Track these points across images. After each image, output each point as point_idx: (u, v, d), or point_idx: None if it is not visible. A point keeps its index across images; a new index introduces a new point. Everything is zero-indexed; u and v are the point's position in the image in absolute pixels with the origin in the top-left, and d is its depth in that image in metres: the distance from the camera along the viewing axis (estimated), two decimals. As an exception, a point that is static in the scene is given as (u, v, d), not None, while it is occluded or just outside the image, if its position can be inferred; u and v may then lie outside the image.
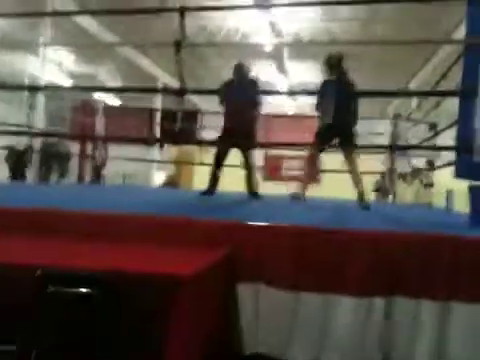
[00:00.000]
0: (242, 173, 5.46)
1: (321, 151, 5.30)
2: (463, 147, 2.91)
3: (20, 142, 11.07)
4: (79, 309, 1.80)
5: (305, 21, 11.08)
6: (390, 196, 11.46)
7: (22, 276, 1.84)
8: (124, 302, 1.80)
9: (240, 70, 5.51)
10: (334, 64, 5.22)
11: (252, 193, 5.52)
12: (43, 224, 2.60)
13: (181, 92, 3.31)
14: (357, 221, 3.62)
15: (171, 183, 13.25)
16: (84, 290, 1.79)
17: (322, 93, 5.16)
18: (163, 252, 2.29)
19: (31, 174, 10.16)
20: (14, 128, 7.56)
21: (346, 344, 2.28)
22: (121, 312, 1.81)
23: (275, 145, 13.08)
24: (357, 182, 5.05)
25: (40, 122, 10.27)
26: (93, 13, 10.35)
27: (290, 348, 2.33)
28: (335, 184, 12.15)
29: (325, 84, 5.24)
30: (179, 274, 1.80)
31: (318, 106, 5.18)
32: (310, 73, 15.50)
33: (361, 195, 5.02)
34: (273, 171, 14.47)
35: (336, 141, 5.17)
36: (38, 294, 1.80)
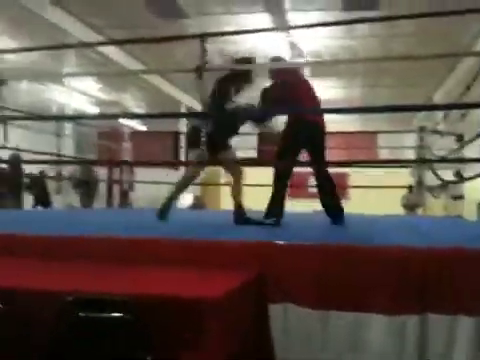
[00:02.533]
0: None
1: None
2: (490, 159, 2.88)
3: (43, 169, 11.32)
4: (111, 334, 1.82)
5: (324, 40, 11.13)
6: (419, 209, 11.31)
7: (52, 302, 1.87)
8: (155, 326, 1.81)
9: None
10: None
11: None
12: (70, 250, 2.65)
13: (204, 116, 3.36)
14: (386, 236, 3.59)
15: (198, 205, 13.32)
16: (115, 315, 1.81)
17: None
18: (192, 275, 2.31)
19: (59, 200, 10.36)
20: (43, 156, 7.75)
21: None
22: (152, 336, 1.82)
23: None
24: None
25: (69, 149, 10.48)
26: (116, 43, 10.59)
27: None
28: (362, 200, 12.06)
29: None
30: (208, 297, 1.82)
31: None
32: (333, 90, 15.52)
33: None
34: (298, 188, 14.41)
35: None
36: (69, 320, 1.82)
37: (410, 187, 9.20)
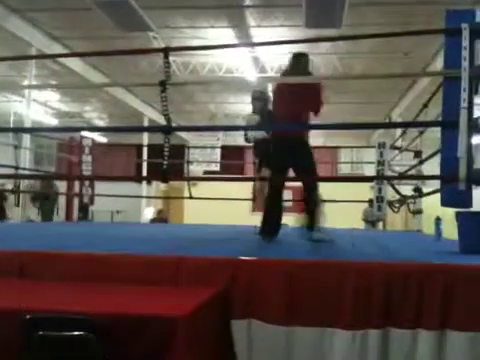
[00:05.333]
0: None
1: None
2: (447, 176, 2.96)
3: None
4: (72, 353, 1.78)
5: (287, 56, 11.27)
6: (380, 224, 11.51)
7: (11, 321, 1.81)
8: (118, 345, 1.78)
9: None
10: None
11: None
12: (30, 267, 2.57)
13: (167, 130, 3.35)
14: (348, 251, 3.63)
15: (161, 218, 13.19)
16: (76, 333, 1.77)
17: None
18: (156, 292, 2.28)
19: (18, 214, 10.07)
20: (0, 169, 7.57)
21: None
22: (116, 354, 1.78)
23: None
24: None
25: (26, 161, 10.22)
26: (79, 55, 10.45)
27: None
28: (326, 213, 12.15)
29: None
30: (174, 315, 1.79)
31: None
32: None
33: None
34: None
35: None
36: (28, 339, 1.77)
37: (370, 201, 9.36)
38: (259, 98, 5.49)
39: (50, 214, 10.60)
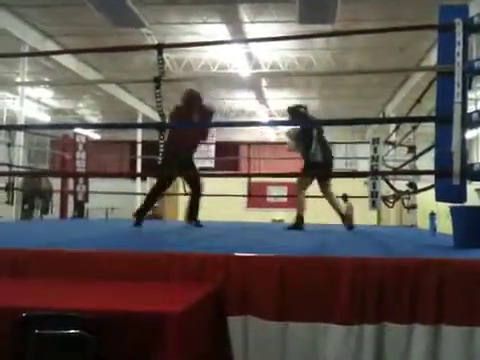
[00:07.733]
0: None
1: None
2: (441, 171, 2.97)
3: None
4: (68, 351, 1.77)
5: (281, 51, 11.28)
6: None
7: (7, 319, 1.80)
8: (114, 342, 1.77)
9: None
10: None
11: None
12: (23, 265, 2.56)
13: (162, 127, 3.34)
14: (342, 247, 3.64)
15: (155, 215, 13.17)
16: (72, 331, 1.76)
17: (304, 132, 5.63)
18: (150, 289, 2.28)
19: (12, 211, 10.02)
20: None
21: (338, 373, 2.26)
22: (110, 352, 1.78)
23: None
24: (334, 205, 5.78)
25: (20, 158, 10.16)
26: (72, 52, 10.41)
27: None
28: (317, 209, 12.16)
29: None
30: (167, 311, 1.79)
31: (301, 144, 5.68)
32: (288, 101, 15.72)
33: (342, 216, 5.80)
34: (256, 198, 14.50)
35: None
36: (23, 338, 1.76)
37: (344, 197, 9.35)
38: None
39: (31, 212, 10.55)
